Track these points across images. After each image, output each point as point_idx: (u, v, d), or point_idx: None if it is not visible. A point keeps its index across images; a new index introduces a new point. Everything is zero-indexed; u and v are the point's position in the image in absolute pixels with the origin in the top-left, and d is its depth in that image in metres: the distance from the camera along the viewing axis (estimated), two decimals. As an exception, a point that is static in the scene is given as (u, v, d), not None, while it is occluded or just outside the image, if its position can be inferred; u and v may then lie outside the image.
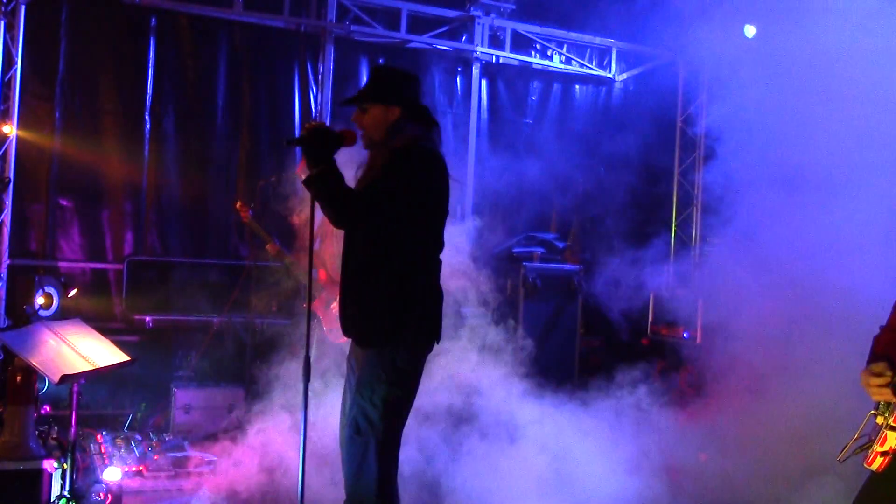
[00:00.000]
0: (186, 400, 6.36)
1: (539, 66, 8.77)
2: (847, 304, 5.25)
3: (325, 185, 3.08)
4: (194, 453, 5.56)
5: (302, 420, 3.16)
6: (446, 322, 3.52)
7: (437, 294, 3.41)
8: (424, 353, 3.39)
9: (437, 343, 3.42)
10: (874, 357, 2.74)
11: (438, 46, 8.25)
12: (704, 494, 5.33)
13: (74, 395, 4.19)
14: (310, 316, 3.26)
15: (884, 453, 2.64)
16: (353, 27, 7.80)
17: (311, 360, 3.26)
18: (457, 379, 5.83)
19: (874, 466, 2.66)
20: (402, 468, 3.42)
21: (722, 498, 5.31)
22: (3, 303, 6.46)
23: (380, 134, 3.36)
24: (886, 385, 2.59)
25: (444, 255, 3.46)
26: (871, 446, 2.68)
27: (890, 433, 2.63)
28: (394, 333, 3.23)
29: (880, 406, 2.67)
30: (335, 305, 5.18)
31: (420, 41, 8.12)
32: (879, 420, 2.67)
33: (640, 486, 5.18)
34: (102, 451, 5.34)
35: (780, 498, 5.17)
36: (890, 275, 4.81)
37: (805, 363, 5.76)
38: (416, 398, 3.41)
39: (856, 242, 5.63)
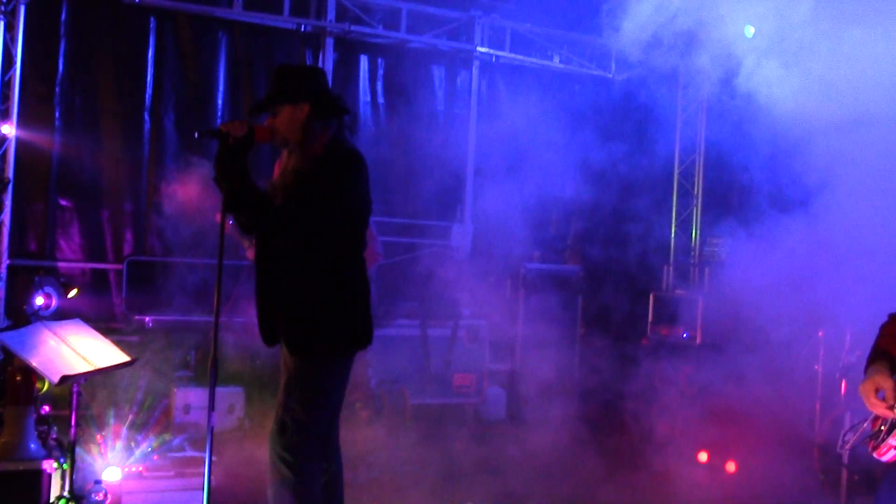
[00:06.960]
0: (186, 400, 6.36)
1: (538, 66, 8.76)
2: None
3: (242, 191, 3.00)
4: (194, 453, 5.56)
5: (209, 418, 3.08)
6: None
7: (366, 295, 3.33)
8: (354, 355, 3.33)
9: (370, 343, 3.34)
10: (876, 352, 2.65)
11: (438, 46, 8.24)
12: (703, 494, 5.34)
13: (74, 395, 4.19)
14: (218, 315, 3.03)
15: None
16: (352, 27, 7.79)
17: None
18: (458, 378, 5.83)
19: (886, 458, 2.59)
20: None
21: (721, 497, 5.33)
22: (3, 303, 6.45)
23: (296, 134, 3.24)
24: (890, 408, 2.49)
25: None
26: (880, 436, 2.61)
27: None
28: (327, 343, 3.17)
29: None
30: None
31: (420, 41, 8.11)
32: None
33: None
34: (102, 451, 5.33)
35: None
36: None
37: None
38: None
39: (858, 239, 5.61)
